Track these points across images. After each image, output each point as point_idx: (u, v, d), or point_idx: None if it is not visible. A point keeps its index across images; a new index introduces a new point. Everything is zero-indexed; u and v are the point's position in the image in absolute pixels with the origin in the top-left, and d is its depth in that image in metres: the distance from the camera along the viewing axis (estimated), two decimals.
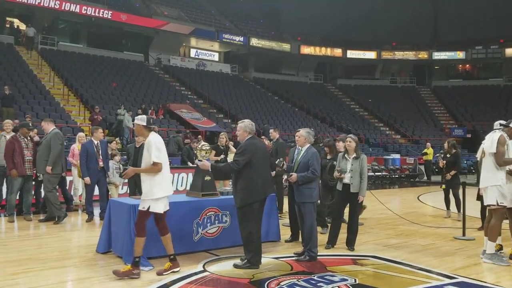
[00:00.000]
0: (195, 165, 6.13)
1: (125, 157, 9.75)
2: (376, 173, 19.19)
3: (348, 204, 6.38)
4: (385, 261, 5.73)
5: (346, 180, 6.22)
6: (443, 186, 9.28)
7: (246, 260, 5.21)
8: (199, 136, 17.91)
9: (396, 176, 20.03)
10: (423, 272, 5.23)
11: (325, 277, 4.96)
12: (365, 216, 8.96)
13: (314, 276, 4.99)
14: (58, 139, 7.97)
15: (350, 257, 5.90)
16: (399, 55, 39.13)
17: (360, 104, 35.29)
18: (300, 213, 5.79)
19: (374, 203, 9.46)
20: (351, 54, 38.49)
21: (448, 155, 9.09)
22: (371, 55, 38.87)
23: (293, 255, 5.85)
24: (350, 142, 6.33)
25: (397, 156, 22.41)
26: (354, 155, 6.27)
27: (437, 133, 31.20)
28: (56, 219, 7.86)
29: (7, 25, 26.31)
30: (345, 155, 6.36)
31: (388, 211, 9.28)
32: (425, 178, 19.88)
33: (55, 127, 8.15)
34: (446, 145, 9.34)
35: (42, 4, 24.99)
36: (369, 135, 28.91)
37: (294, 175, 5.73)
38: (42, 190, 8.47)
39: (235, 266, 5.22)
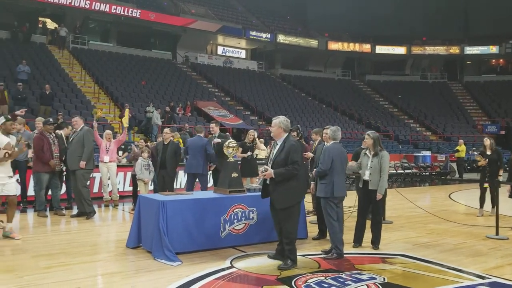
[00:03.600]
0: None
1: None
2: (406, 171, 18.86)
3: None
4: (414, 260, 5.63)
5: (366, 177, 6.16)
6: (486, 185, 8.93)
7: (290, 260, 5.11)
8: (227, 133, 17.99)
9: (426, 173, 19.64)
10: (454, 272, 5.11)
11: (353, 275, 4.91)
12: (394, 214, 8.83)
13: (342, 274, 4.94)
14: (91, 136, 8.35)
15: (378, 256, 5.82)
16: (429, 50, 38.27)
17: (389, 101, 34.71)
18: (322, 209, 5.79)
19: (403, 201, 9.31)
20: (380, 49, 37.83)
21: (488, 153, 8.84)
22: (400, 50, 38.13)
23: (320, 252, 5.82)
24: (367, 139, 6.24)
25: (428, 153, 21.96)
26: (373, 152, 6.19)
27: (469, 130, 30.40)
28: (88, 214, 8.05)
29: (40, 25, 26.99)
30: (367, 152, 6.28)
31: (418, 209, 9.11)
32: (457, 175, 19.42)
33: (83, 124, 8.38)
34: (487, 142, 9.04)
35: (73, 4, 25.51)
36: (398, 132, 28.42)
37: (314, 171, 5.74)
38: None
39: (280, 268, 5.07)
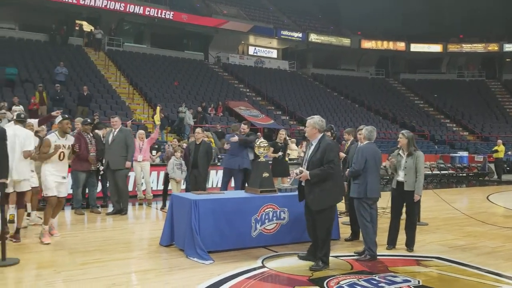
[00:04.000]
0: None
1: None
2: (442, 172, 18.39)
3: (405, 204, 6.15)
4: (450, 262, 5.48)
5: (400, 177, 6.03)
6: None
7: (322, 262, 5.05)
8: (258, 133, 18.03)
9: (463, 174, 19.09)
10: (491, 276, 4.95)
11: (387, 277, 4.83)
12: (430, 216, 8.62)
13: (375, 276, 4.87)
14: (132, 136, 8.73)
15: (413, 258, 5.70)
16: (466, 47, 37.13)
17: (424, 100, 33.94)
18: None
19: (440, 202, 9.08)
20: (415, 47, 36.99)
21: None
22: (436, 48, 37.18)
23: (353, 254, 5.74)
24: (401, 138, 6.11)
25: (465, 153, 21.36)
26: (407, 152, 6.05)
27: (509, 130, 29.32)
28: (124, 211, 8.29)
29: (77, 28, 27.77)
30: (400, 152, 6.16)
31: (455, 211, 8.87)
32: (496, 177, 18.79)
33: (121, 124, 8.61)
34: None
35: (108, 7, 26.14)
36: (434, 131, 27.76)
37: (346, 172, 5.65)
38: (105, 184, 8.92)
39: (312, 269, 5.02)
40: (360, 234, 6.07)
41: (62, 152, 6.17)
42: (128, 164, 8.30)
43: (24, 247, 5.80)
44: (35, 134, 6.78)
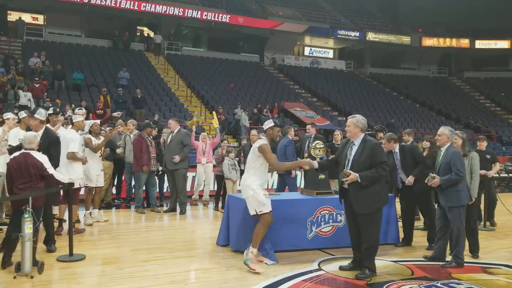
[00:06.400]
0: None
1: (242, 154, 10.10)
2: (511, 174, 17.35)
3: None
4: None
5: None
6: None
7: (368, 270, 4.79)
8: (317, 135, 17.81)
9: None
10: None
11: (450, 284, 4.62)
12: (498, 221, 8.15)
13: (437, 282, 4.67)
14: (189, 137, 8.94)
15: (478, 265, 5.42)
16: None
17: (491, 99, 32.17)
18: (446, 217, 5.37)
19: (509, 207, 8.57)
20: (480, 44, 35.18)
21: None
22: (503, 44, 35.13)
23: (421, 258, 5.59)
24: (456, 139, 5.79)
25: None
26: (462, 153, 5.73)
27: None
28: (182, 211, 8.52)
29: (138, 34, 28.88)
30: None
31: None
32: None
33: (179, 126, 8.82)
34: None
35: (167, 12, 27.01)
36: (502, 132, 26.24)
37: (437, 179, 5.27)
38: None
39: (358, 277, 4.77)
40: (411, 240, 6.11)
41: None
42: (176, 158, 8.34)
43: (90, 244, 6.10)
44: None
